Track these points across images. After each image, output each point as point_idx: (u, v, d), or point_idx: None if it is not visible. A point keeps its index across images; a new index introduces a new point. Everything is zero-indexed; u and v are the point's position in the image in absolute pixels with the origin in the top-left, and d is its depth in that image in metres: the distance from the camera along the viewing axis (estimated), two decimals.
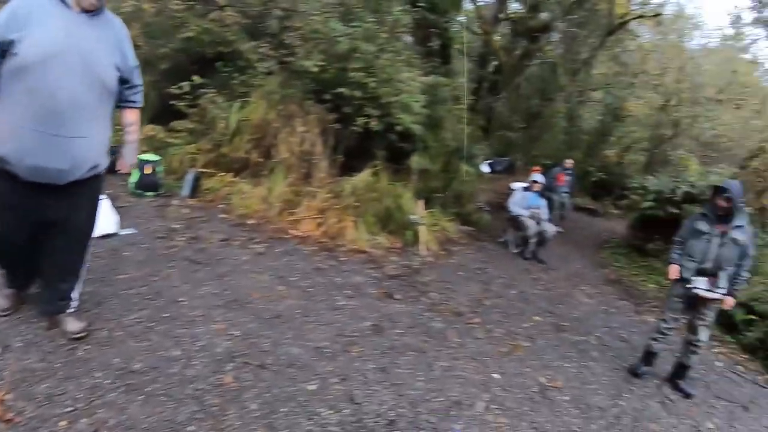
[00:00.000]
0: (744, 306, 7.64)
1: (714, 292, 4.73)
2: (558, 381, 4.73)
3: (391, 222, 6.85)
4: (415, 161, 7.51)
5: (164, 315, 3.71)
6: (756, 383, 6.36)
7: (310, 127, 6.71)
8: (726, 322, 7.28)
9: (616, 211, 14.81)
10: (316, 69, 6.52)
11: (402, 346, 4.56)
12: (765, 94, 19.12)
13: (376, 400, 3.62)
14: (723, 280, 4.71)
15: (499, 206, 9.54)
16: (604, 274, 8.90)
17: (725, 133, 19.40)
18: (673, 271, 5.03)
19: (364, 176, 6.90)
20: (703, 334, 4.98)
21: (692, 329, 5.06)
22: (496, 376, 4.57)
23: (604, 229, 12.90)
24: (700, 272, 4.82)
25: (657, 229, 9.29)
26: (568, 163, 11.27)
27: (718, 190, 4.79)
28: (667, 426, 4.66)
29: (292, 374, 3.42)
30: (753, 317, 7.55)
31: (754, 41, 18.70)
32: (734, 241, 4.69)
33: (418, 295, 5.47)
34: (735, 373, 6.37)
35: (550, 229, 8.19)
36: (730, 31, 19.40)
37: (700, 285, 4.79)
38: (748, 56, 20.28)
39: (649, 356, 5.35)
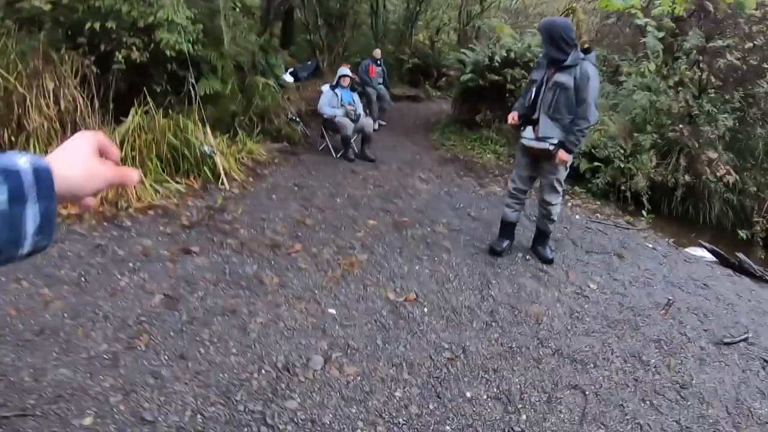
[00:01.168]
0: (586, 155, 7.73)
1: (542, 142, 4.23)
2: (410, 293, 3.83)
3: (184, 162, 5.88)
4: (202, 86, 6.43)
5: None
6: (618, 226, 6.31)
7: (65, 80, 5.55)
8: (573, 174, 7.19)
9: (437, 93, 15.22)
10: (48, 7, 5.43)
11: (205, 314, 3.42)
12: None
13: (175, 406, 2.63)
14: (548, 129, 4.19)
15: (312, 114, 8.97)
16: (438, 155, 8.50)
17: (532, 2, 20.31)
18: (510, 117, 4.42)
19: (133, 119, 5.66)
20: (549, 195, 4.48)
21: (540, 189, 4.62)
22: (331, 311, 3.57)
23: (430, 112, 13.18)
24: (528, 122, 4.35)
25: (482, 100, 9.42)
26: (377, 53, 11.01)
27: (541, 32, 4.34)
28: (549, 302, 4.09)
29: (60, 411, 2.53)
30: (597, 164, 7.71)
31: None
32: (558, 85, 4.13)
33: (222, 240, 4.45)
34: (596, 222, 6.21)
35: (369, 123, 7.63)
36: None
37: (526, 134, 4.34)
38: None
39: (507, 228, 4.79)
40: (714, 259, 6.23)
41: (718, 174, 7.33)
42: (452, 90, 11.75)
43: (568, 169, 4.53)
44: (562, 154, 4.21)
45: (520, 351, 3.50)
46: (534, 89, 4.29)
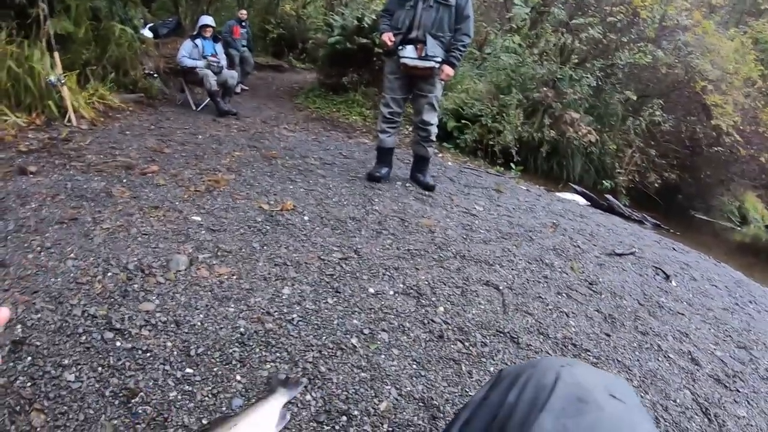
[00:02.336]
0: (453, 114, 7.99)
1: (427, 60, 4.24)
2: (287, 203, 3.42)
3: (26, 95, 5.11)
4: (53, 25, 5.43)
5: None
6: (490, 174, 6.50)
7: None
8: (440, 132, 7.36)
9: (302, 65, 15.20)
10: None
11: (37, 223, 2.80)
12: None
13: None
14: (433, 47, 4.24)
15: (172, 72, 8.32)
16: (304, 115, 8.27)
17: None
18: (386, 37, 4.32)
19: None
20: (429, 114, 4.48)
21: (417, 111, 4.54)
22: (196, 218, 3.04)
23: (294, 81, 13.00)
24: (408, 42, 4.31)
25: (349, 63, 9.64)
26: (242, 14, 10.55)
27: None
28: (439, 217, 3.95)
29: None
30: (464, 122, 7.96)
31: None
32: (441, 3, 4.21)
33: (65, 163, 3.91)
34: (468, 169, 6.32)
35: (233, 75, 7.57)
36: None
37: (408, 54, 4.28)
38: None
39: (384, 154, 4.64)
40: (585, 202, 6.70)
41: (580, 133, 8.01)
42: (318, 57, 11.64)
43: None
44: (447, 70, 4.28)
45: (419, 254, 3.28)
46: (410, 9, 4.26)
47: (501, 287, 3.11)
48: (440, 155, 6.57)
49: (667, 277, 4.12)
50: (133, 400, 1.73)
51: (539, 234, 4.18)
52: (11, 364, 1.78)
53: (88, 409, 1.66)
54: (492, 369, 2.41)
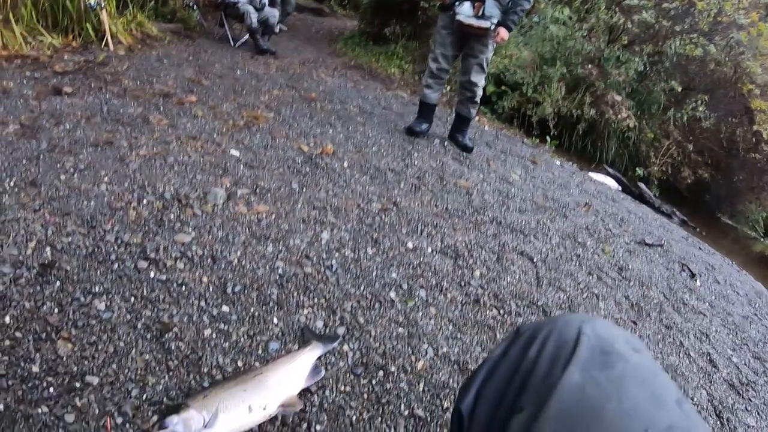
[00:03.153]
0: (493, 79, 7.68)
1: (483, 20, 3.99)
2: (327, 147, 3.26)
3: (64, 16, 4.85)
4: None
5: None
6: (525, 143, 6.27)
7: None
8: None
9: (343, 12, 15.01)
10: None
11: (72, 144, 2.65)
12: None
13: (14, 236, 1.91)
14: (492, 8, 3.98)
15: (212, 5, 8.04)
16: (342, 61, 7.83)
17: None
18: None
19: None
20: (477, 75, 4.24)
21: (465, 70, 4.28)
22: (234, 152, 2.90)
23: (334, 26, 12.71)
24: None
25: (392, 14, 9.22)
26: None
27: None
28: (476, 181, 3.77)
29: None
30: (504, 89, 7.66)
31: None
32: None
33: (102, 86, 3.69)
34: (505, 136, 6.09)
35: (274, 13, 7.17)
36: None
37: (465, 11, 4.00)
38: None
39: (426, 110, 4.43)
40: (617, 186, 6.46)
41: (619, 116, 7.68)
42: (361, 4, 11.19)
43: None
44: (503, 33, 4.04)
45: (457, 214, 3.13)
46: None
47: (535, 259, 2.98)
48: (477, 119, 6.33)
49: (693, 276, 3.98)
50: (166, 335, 1.62)
51: (573, 211, 4.01)
52: (38, 287, 1.66)
53: (118, 341, 1.55)
54: None
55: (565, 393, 0.68)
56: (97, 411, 1.36)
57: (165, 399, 1.44)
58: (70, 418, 1.32)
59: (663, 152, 8.41)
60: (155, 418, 1.38)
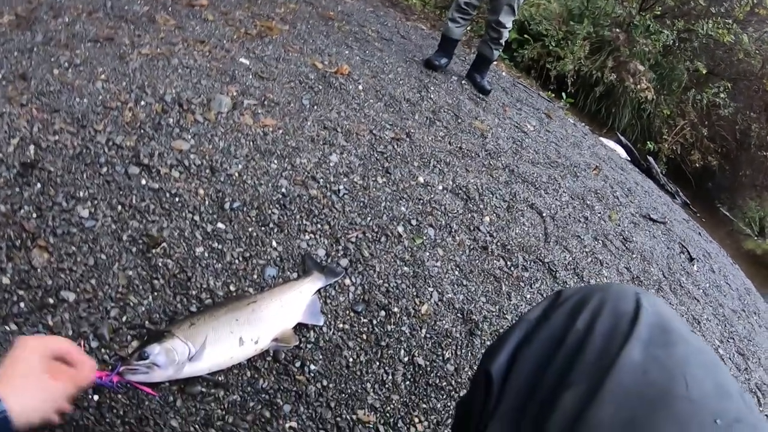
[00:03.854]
0: (517, 26, 7.28)
1: None
2: (343, 67, 2.98)
3: None
4: None
5: None
6: (541, 96, 5.98)
7: None
8: None
9: None
10: None
11: (69, 38, 2.34)
12: None
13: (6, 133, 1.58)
14: None
15: None
16: None
17: None
18: None
19: None
20: (506, 16, 3.92)
21: (494, 9, 3.93)
22: (244, 61, 2.63)
23: None
24: None
25: None
26: None
27: None
28: (491, 124, 3.54)
29: None
30: (526, 38, 7.27)
31: None
32: None
33: None
34: (521, 85, 5.78)
35: None
36: None
37: None
38: None
39: (448, 44, 4.13)
40: (626, 156, 6.23)
41: (639, 86, 7.35)
42: None
43: None
44: None
45: (470, 155, 2.92)
46: None
47: (544, 214, 2.82)
48: (495, 63, 5.99)
49: (692, 259, 3.91)
50: (153, 251, 1.43)
51: (583, 172, 3.83)
52: (17, 189, 1.44)
53: (100, 254, 1.36)
54: (529, 296, 2.15)
55: (625, 372, 0.61)
56: (71, 332, 1.19)
57: (147, 322, 1.27)
58: None
59: (677, 131, 8.15)
60: (135, 343, 1.20)
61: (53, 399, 0.80)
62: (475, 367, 1.61)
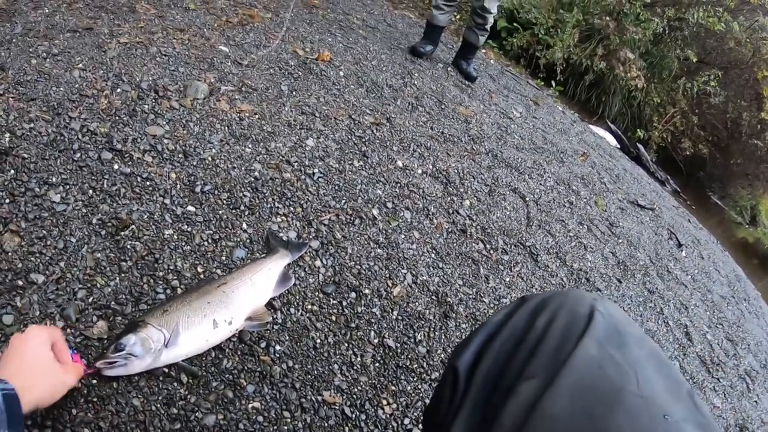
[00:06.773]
0: (506, 14, 7.23)
1: None
2: (324, 53, 2.96)
3: None
4: None
5: None
6: (529, 83, 5.95)
7: None
8: (489, 31, 6.65)
9: None
10: None
11: (48, 29, 2.30)
12: None
13: None
14: None
15: None
16: None
17: None
18: None
19: None
20: (491, 2, 3.88)
21: None
22: (224, 48, 2.61)
23: None
24: None
25: None
26: None
27: None
28: (476, 110, 3.52)
29: None
30: (515, 26, 7.21)
31: None
32: None
33: None
34: (509, 73, 5.75)
35: None
36: None
37: None
38: None
39: (433, 31, 4.08)
40: (615, 143, 6.22)
41: (629, 74, 7.32)
42: None
43: None
44: None
45: (452, 140, 2.91)
46: None
47: (527, 198, 2.81)
48: (483, 51, 5.96)
49: (680, 246, 3.91)
50: (122, 233, 1.42)
51: (570, 158, 3.82)
52: None
53: (69, 237, 1.35)
54: (508, 279, 2.15)
55: (581, 366, 0.64)
56: (38, 312, 1.18)
57: (113, 303, 1.26)
58: (8, 319, 1.15)
59: (667, 119, 8.14)
60: (100, 323, 1.20)
61: (60, 387, 0.92)
62: (449, 350, 1.61)
